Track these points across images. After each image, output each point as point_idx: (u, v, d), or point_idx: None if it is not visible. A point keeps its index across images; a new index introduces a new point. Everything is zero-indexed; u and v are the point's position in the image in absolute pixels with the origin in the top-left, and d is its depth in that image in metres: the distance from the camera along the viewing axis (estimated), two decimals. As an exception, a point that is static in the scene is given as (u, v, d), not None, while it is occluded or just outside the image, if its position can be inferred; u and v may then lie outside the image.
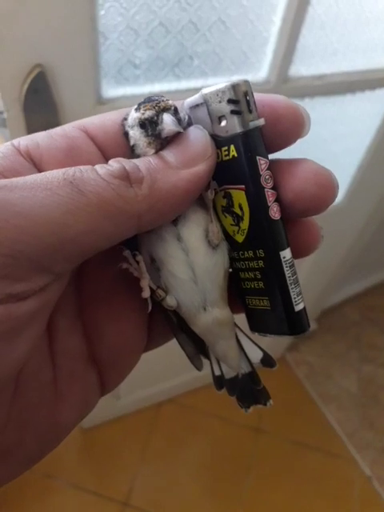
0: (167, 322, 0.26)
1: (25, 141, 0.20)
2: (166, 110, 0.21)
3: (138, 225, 0.19)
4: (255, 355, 0.28)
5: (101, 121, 0.22)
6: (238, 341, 0.27)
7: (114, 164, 0.19)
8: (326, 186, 0.20)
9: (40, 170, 0.20)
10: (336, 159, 0.91)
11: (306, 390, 1.52)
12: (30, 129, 0.60)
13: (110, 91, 0.63)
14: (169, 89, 0.65)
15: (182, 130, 0.20)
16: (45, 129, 0.60)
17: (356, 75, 0.77)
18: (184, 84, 0.66)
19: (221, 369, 0.28)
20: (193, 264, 0.23)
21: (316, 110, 0.81)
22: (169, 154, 0.20)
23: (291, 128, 0.20)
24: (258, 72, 0.70)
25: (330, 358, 1.58)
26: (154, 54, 0.61)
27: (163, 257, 0.23)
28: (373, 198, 1.03)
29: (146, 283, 0.23)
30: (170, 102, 0.21)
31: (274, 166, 0.21)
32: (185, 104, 0.22)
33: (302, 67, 0.72)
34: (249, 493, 1.28)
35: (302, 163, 0.21)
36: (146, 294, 0.23)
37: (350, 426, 1.43)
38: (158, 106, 0.21)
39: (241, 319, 0.26)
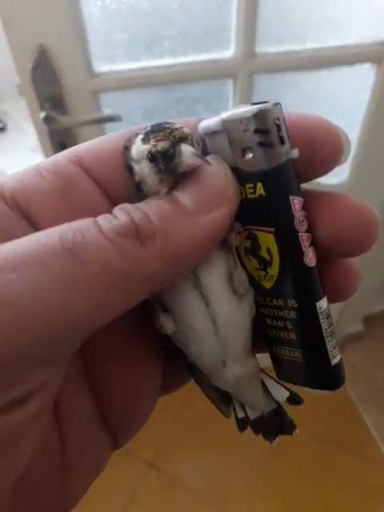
0: (188, 367, 0.23)
1: (10, 182, 0.18)
2: (182, 140, 0.18)
3: (152, 286, 0.16)
4: (281, 394, 0.25)
5: (98, 149, 0.19)
6: (263, 382, 0.25)
7: (121, 215, 0.16)
8: (370, 225, 0.18)
9: (29, 219, 0.18)
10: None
11: (346, 390, 1.48)
12: (39, 95, 0.82)
13: (100, 66, 0.82)
14: (146, 65, 0.83)
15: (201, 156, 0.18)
16: (50, 95, 0.82)
17: (323, 51, 0.85)
18: (159, 62, 0.83)
19: (245, 411, 0.26)
20: (215, 315, 0.20)
21: (295, 85, 0.90)
22: (184, 196, 0.17)
23: (329, 156, 0.18)
24: (226, 49, 0.83)
25: (374, 362, 1.52)
26: (128, 36, 0.80)
27: (178, 308, 0.20)
28: (377, 174, 1.05)
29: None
30: (186, 129, 0.18)
31: (309, 201, 0.19)
32: (200, 128, 0.19)
33: (267, 44, 0.83)
34: (274, 480, 1.30)
35: (340, 199, 0.18)
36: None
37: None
38: (172, 135, 0.18)
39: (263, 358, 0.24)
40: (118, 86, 0.84)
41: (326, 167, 0.18)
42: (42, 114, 0.80)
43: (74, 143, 0.89)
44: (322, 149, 0.17)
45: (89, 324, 0.15)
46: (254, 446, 1.34)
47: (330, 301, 0.20)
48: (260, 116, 0.17)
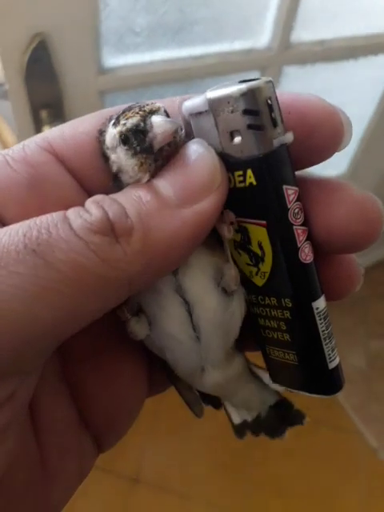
0: (163, 366, 0.21)
1: None
2: (153, 112, 0.16)
3: (130, 289, 0.15)
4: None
5: (73, 134, 0.17)
6: (258, 378, 0.23)
7: (94, 210, 0.14)
8: (374, 221, 0.16)
9: None
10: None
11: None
12: (32, 100, 0.60)
13: (111, 60, 0.63)
14: (170, 56, 0.65)
15: (180, 126, 0.16)
16: (46, 100, 0.59)
17: (357, 40, 0.76)
18: (185, 51, 0.66)
19: (241, 414, 0.24)
20: (198, 320, 0.18)
21: (319, 77, 0.80)
22: (165, 186, 0.15)
23: (327, 141, 0.16)
24: (260, 38, 0.69)
25: (336, 333, 1.59)
26: (154, 20, 0.61)
27: (157, 312, 0.18)
28: (377, 169, 1.03)
29: None
30: (158, 103, 0.16)
31: (303, 192, 0.16)
32: (183, 108, 0.17)
33: (304, 32, 0.71)
34: (256, 467, 1.30)
35: (340, 191, 0.16)
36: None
37: (357, 400, 1.45)
38: (142, 110, 0.16)
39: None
40: (133, 83, 0.65)
41: (324, 153, 0.16)
42: (46, 129, 0.59)
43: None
44: (320, 132, 0.15)
45: (58, 333, 0.14)
46: (231, 439, 1.35)
47: (328, 299, 0.18)
48: (250, 95, 0.15)
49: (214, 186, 0.15)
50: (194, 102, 0.16)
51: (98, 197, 0.15)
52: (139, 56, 0.64)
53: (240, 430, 0.24)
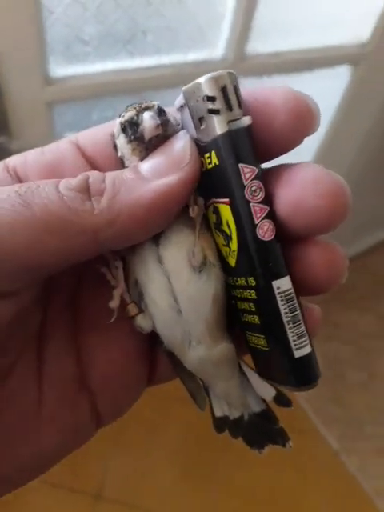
0: (165, 352, 0.23)
1: (16, 158, 0.20)
2: (147, 109, 0.18)
3: (96, 241, 0.17)
4: (266, 393, 0.23)
5: (93, 132, 0.20)
6: (245, 376, 0.23)
7: (80, 176, 0.17)
8: (329, 195, 0.16)
9: None
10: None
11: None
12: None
13: (59, 70, 0.59)
14: (122, 67, 0.62)
15: (168, 121, 0.18)
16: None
17: (312, 52, 0.76)
18: (137, 62, 0.63)
19: (222, 408, 0.24)
20: (175, 291, 0.20)
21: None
22: (143, 165, 0.18)
23: (293, 124, 0.16)
24: (215, 49, 0.68)
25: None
26: (104, 29, 0.58)
27: (145, 280, 0.21)
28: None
29: (118, 293, 0.21)
30: (154, 102, 0.19)
31: (271, 175, 0.18)
32: (174, 105, 0.19)
33: (259, 44, 0.70)
34: (223, 473, 1.29)
35: (301, 167, 0.17)
36: (114, 303, 0.21)
37: (317, 403, 1.46)
38: (139, 105, 0.18)
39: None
40: (82, 94, 0.62)
41: (292, 137, 0.17)
42: (-11, 144, 0.55)
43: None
44: (283, 116, 0.16)
45: (25, 259, 0.16)
46: (193, 447, 1.33)
47: (312, 291, 0.18)
48: (208, 83, 0.17)
49: (181, 164, 0.17)
50: (178, 98, 0.18)
51: (92, 171, 0.18)
52: (89, 66, 0.61)
53: (219, 424, 0.24)
